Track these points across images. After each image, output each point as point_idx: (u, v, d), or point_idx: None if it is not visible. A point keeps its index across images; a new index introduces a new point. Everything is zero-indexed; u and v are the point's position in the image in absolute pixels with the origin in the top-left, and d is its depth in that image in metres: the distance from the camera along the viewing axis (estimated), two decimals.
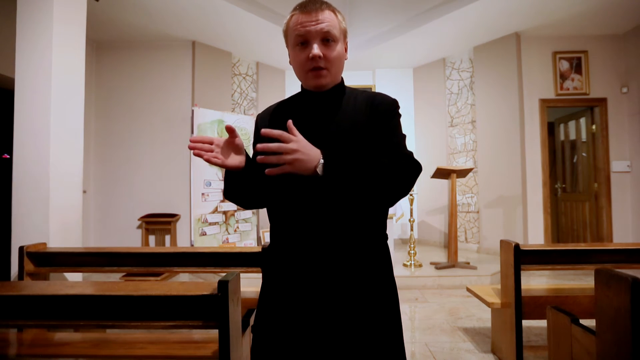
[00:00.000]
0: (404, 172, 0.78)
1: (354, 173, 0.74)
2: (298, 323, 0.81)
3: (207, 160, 0.78)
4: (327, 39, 0.83)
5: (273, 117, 0.93)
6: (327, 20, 0.83)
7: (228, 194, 0.91)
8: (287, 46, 0.91)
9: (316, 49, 0.81)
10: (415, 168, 0.80)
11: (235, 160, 0.83)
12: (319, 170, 0.72)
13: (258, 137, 0.94)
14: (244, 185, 0.87)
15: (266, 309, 0.87)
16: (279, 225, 0.88)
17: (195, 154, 0.79)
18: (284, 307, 0.83)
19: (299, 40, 0.83)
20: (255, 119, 0.97)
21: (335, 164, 0.73)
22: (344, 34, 0.89)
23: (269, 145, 0.70)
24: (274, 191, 0.87)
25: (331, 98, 0.90)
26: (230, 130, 0.80)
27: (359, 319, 0.81)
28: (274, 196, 0.87)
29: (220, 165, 0.81)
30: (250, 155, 0.92)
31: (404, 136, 0.88)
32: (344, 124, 0.86)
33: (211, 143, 0.80)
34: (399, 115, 0.90)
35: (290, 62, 0.92)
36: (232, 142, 0.82)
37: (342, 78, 0.93)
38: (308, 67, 0.84)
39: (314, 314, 0.80)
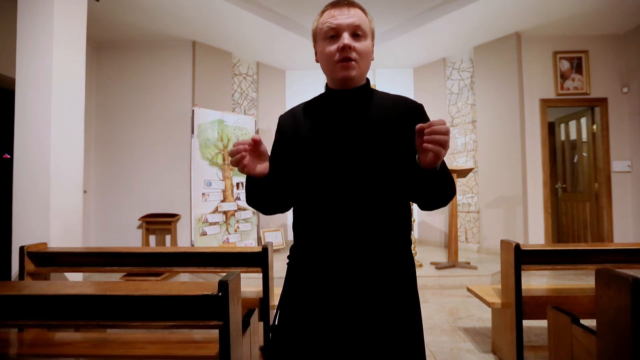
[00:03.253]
0: (454, 182, 0.89)
1: (448, 173, 0.83)
2: (321, 324, 0.81)
3: (242, 168, 0.79)
4: (357, 34, 0.85)
5: (300, 118, 0.93)
6: (358, 15, 0.86)
7: (251, 201, 0.91)
8: (315, 44, 0.92)
9: (347, 39, 0.83)
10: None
11: (261, 167, 0.83)
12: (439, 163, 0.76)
13: (283, 139, 0.94)
14: (267, 191, 0.88)
15: (289, 309, 0.87)
16: (306, 226, 0.88)
17: (234, 161, 0.78)
18: (308, 308, 0.83)
19: (329, 34, 0.85)
20: (277, 120, 0.99)
21: (444, 162, 0.80)
22: (372, 33, 0.91)
23: (439, 127, 0.70)
24: (305, 193, 0.87)
25: (359, 96, 0.90)
26: (257, 142, 0.80)
27: (383, 323, 0.81)
28: (305, 198, 0.87)
29: (249, 173, 0.81)
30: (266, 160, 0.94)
31: None
32: (375, 123, 0.87)
33: (245, 150, 0.79)
34: None
35: (317, 59, 0.92)
36: (257, 149, 0.82)
37: (367, 79, 0.94)
38: (337, 58, 0.84)
39: (337, 316, 0.80)
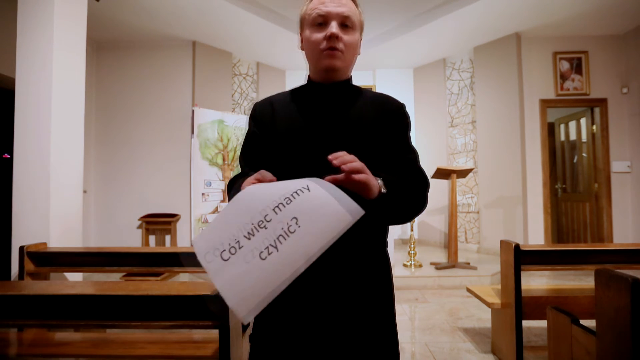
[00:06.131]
0: (426, 191, 0.82)
1: (404, 193, 0.75)
2: (298, 331, 0.79)
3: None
4: (345, 24, 0.83)
5: (278, 109, 0.90)
6: (349, 6, 0.84)
7: None
8: (302, 31, 0.89)
9: (335, 28, 0.81)
10: (428, 185, 0.84)
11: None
12: (382, 189, 0.70)
13: (259, 129, 0.89)
14: None
15: (265, 317, 0.84)
16: None
17: None
18: (284, 316, 0.81)
19: (317, 21, 0.83)
20: (252, 107, 0.93)
21: (393, 183, 0.73)
22: (361, 27, 0.89)
23: (344, 158, 0.65)
24: None
25: (340, 92, 0.88)
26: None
27: (358, 326, 0.80)
28: None
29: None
30: (241, 153, 0.91)
31: (415, 150, 0.89)
32: (353, 121, 0.85)
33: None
34: (410, 124, 0.90)
35: (301, 47, 0.90)
36: None
37: (350, 76, 0.92)
38: (324, 47, 0.82)
39: (314, 321, 0.79)
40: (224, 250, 0.57)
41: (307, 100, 0.89)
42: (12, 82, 2.43)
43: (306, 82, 0.92)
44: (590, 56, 4.60)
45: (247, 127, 0.94)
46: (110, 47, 4.72)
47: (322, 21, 0.82)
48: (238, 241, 0.57)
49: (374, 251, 0.85)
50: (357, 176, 0.64)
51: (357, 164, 0.65)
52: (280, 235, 0.56)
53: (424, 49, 5.22)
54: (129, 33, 4.51)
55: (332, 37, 0.81)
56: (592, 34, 4.59)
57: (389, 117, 0.87)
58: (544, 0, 3.87)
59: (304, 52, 0.89)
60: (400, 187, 0.74)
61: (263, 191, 0.61)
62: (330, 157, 0.64)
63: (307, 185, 0.59)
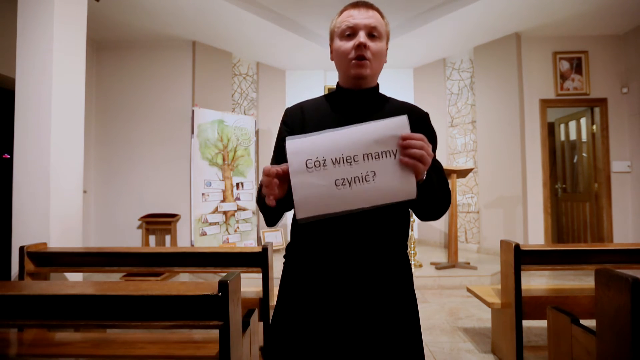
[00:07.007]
0: (450, 194, 0.87)
1: (439, 186, 0.81)
2: (317, 323, 0.82)
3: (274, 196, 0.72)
4: (372, 34, 0.88)
5: (307, 114, 0.94)
6: (375, 17, 0.90)
7: (273, 222, 0.87)
8: (332, 42, 0.95)
9: (363, 37, 0.86)
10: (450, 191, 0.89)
11: (283, 189, 0.75)
12: (423, 175, 0.73)
13: (291, 132, 0.90)
14: (283, 206, 0.82)
15: (285, 309, 0.87)
16: (305, 226, 0.85)
17: (269, 190, 0.71)
18: (304, 308, 0.84)
19: (346, 32, 0.89)
20: (284, 112, 0.98)
21: (429, 174, 0.77)
22: (387, 37, 0.94)
23: (413, 142, 0.67)
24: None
25: (367, 98, 0.93)
26: (286, 172, 0.72)
27: (381, 324, 0.82)
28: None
29: (276, 199, 0.73)
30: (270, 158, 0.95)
31: (439, 161, 0.91)
32: None
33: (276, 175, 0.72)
34: (435, 134, 0.94)
35: (332, 57, 0.96)
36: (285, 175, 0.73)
37: (377, 84, 0.96)
38: (352, 56, 0.87)
39: (334, 316, 0.81)
40: (309, 159, 0.68)
41: (336, 106, 0.94)
42: (12, 82, 2.43)
43: (336, 88, 0.97)
44: (590, 56, 4.60)
45: (279, 131, 0.98)
46: (110, 47, 4.73)
47: (350, 32, 0.88)
48: (325, 160, 0.68)
49: (396, 252, 0.88)
50: (420, 165, 0.69)
51: (420, 152, 0.68)
52: (357, 178, 0.68)
53: (423, 49, 5.22)
54: (129, 33, 4.51)
55: (360, 46, 0.86)
56: (592, 33, 4.59)
57: (416, 124, 0.89)
58: (544, 0, 3.87)
59: (334, 62, 0.95)
60: (434, 180, 0.79)
61: (363, 133, 0.70)
62: (404, 135, 0.69)
63: (394, 150, 0.69)
